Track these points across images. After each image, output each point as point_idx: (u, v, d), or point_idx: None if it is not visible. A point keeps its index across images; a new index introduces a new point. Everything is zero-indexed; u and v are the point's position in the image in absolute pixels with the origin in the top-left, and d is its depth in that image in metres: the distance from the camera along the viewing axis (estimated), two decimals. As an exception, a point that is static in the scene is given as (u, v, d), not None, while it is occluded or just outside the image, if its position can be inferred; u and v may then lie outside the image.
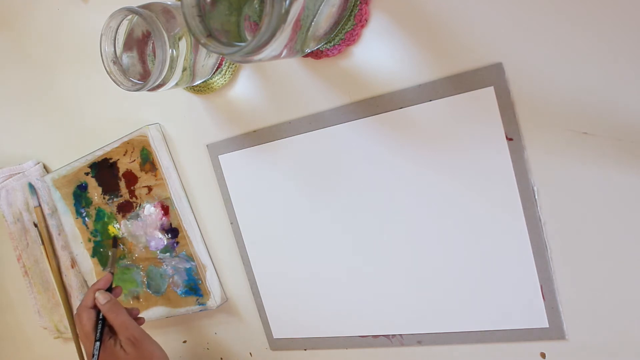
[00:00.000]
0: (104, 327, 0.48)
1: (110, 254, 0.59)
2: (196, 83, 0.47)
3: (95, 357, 0.46)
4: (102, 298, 0.49)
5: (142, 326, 0.50)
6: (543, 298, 0.40)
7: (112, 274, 0.54)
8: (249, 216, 0.52)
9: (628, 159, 0.34)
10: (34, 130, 0.66)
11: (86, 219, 0.64)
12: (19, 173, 0.68)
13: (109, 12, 0.40)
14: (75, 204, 0.64)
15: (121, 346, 0.46)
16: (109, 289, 0.52)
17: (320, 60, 0.42)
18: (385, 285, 0.46)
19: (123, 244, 0.62)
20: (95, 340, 0.47)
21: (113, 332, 0.49)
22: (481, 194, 0.39)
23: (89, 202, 0.63)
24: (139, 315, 0.54)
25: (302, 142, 0.46)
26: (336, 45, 0.40)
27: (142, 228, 0.59)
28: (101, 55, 0.41)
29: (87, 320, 0.48)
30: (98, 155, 0.58)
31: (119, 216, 0.60)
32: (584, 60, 0.34)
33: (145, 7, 0.39)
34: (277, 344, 0.55)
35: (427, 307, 0.45)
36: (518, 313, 0.41)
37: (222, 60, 0.46)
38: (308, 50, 0.38)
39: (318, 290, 0.50)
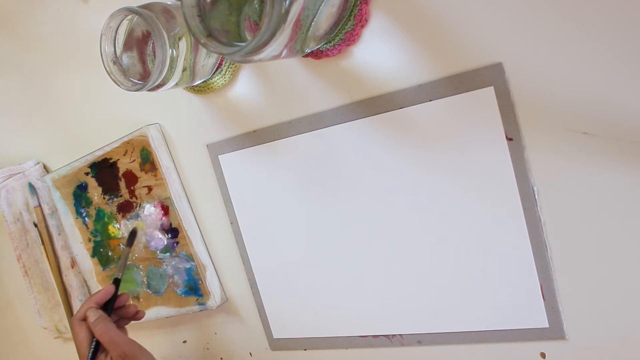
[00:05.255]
0: (97, 347, 0.46)
1: (123, 253, 0.54)
2: (196, 83, 0.47)
3: None
4: (91, 315, 0.47)
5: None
6: (543, 298, 0.40)
7: (119, 280, 0.51)
8: (249, 216, 0.52)
9: (628, 159, 0.34)
10: (34, 130, 0.66)
11: (86, 219, 0.64)
12: (19, 173, 0.68)
13: (109, 12, 0.40)
14: (75, 204, 0.64)
15: None
16: (114, 297, 0.50)
17: (320, 60, 0.42)
18: (385, 285, 0.46)
19: (123, 244, 0.62)
20: None
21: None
22: (481, 194, 0.39)
23: (89, 202, 0.63)
24: (138, 310, 0.52)
25: (302, 142, 0.46)
26: (336, 45, 0.40)
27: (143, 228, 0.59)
28: (101, 55, 0.41)
29: (79, 334, 0.47)
30: (98, 155, 0.58)
31: (119, 216, 0.60)
32: (584, 60, 0.34)
33: (145, 7, 0.39)
34: (277, 344, 0.55)
35: (427, 307, 0.45)
36: (518, 313, 0.41)
37: (222, 60, 0.46)
38: (308, 50, 0.38)
39: (318, 290, 0.50)
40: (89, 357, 0.46)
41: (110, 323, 0.47)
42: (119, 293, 0.51)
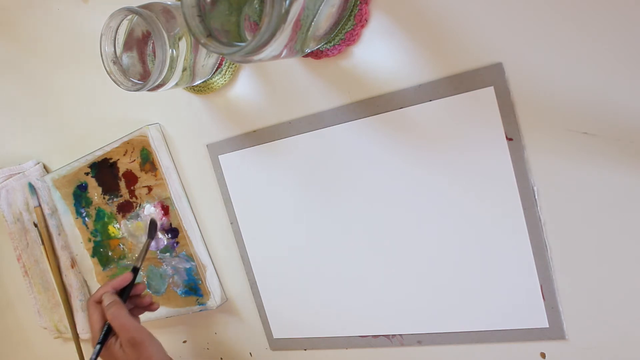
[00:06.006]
0: (109, 330, 0.47)
1: (144, 244, 0.54)
2: (196, 83, 0.47)
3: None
4: (106, 299, 0.48)
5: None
6: (543, 298, 0.40)
7: (138, 269, 0.52)
8: (249, 216, 0.52)
9: (628, 159, 0.34)
10: (34, 130, 0.66)
11: (86, 219, 0.64)
12: (19, 173, 0.68)
13: (109, 12, 0.40)
14: (75, 204, 0.64)
15: (121, 346, 0.46)
16: (131, 285, 0.51)
17: (320, 60, 0.42)
18: (385, 285, 0.46)
19: (123, 244, 0.62)
20: (97, 343, 0.47)
21: None
22: (481, 194, 0.39)
23: (89, 202, 0.63)
24: (153, 301, 0.53)
25: (302, 142, 0.46)
26: (336, 45, 0.40)
27: (143, 229, 0.59)
28: (101, 55, 0.41)
29: (92, 316, 0.48)
30: (98, 155, 0.58)
31: (119, 216, 0.60)
32: (584, 60, 0.34)
33: (145, 7, 0.39)
34: (277, 344, 0.55)
35: (427, 307, 0.45)
36: (518, 313, 0.41)
37: (222, 60, 0.46)
38: (308, 50, 0.38)
39: (318, 290, 0.50)
40: (100, 339, 0.47)
41: (122, 308, 0.48)
42: (136, 282, 0.52)
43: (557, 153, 0.36)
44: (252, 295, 0.54)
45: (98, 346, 0.47)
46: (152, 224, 0.55)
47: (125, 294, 0.51)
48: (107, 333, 0.47)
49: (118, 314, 0.47)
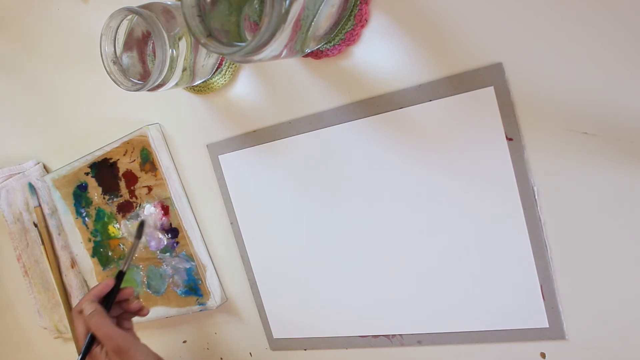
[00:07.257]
0: (92, 340, 0.46)
1: (132, 245, 0.53)
2: (196, 83, 0.47)
3: None
4: (87, 308, 0.47)
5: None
6: (543, 298, 0.40)
7: (123, 273, 0.50)
8: (249, 216, 0.52)
9: (628, 159, 0.34)
10: (34, 130, 0.66)
11: (86, 219, 0.64)
12: (19, 173, 0.68)
13: (109, 12, 0.40)
14: (75, 204, 0.64)
15: (107, 355, 0.45)
16: (115, 290, 0.49)
17: (320, 60, 0.42)
18: (385, 285, 0.46)
19: (123, 244, 0.62)
20: (79, 354, 0.46)
21: None
22: (481, 194, 0.39)
23: (89, 202, 0.63)
24: (142, 306, 0.52)
25: (302, 142, 0.46)
26: (336, 45, 0.40)
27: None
28: (101, 55, 0.41)
29: (76, 327, 0.47)
30: (98, 155, 0.58)
31: (119, 216, 0.60)
32: (583, 60, 0.34)
33: (145, 7, 0.39)
34: (277, 344, 0.55)
35: (427, 307, 0.45)
36: (518, 313, 0.41)
37: (222, 60, 0.46)
38: (308, 50, 0.38)
39: (318, 290, 0.50)
40: (82, 351, 0.46)
41: (104, 317, 0.46)
42: (123, 287, 0.50)
43: (557, 153, 0.36)
44: (252, 295, 0.54)
45: (79, 357, 0.45)
46: (141, 225, 0.55)
47: (110, 300, 0.49)
48: (90, 344, 0.46)
49: (100, 324, 0.45)
